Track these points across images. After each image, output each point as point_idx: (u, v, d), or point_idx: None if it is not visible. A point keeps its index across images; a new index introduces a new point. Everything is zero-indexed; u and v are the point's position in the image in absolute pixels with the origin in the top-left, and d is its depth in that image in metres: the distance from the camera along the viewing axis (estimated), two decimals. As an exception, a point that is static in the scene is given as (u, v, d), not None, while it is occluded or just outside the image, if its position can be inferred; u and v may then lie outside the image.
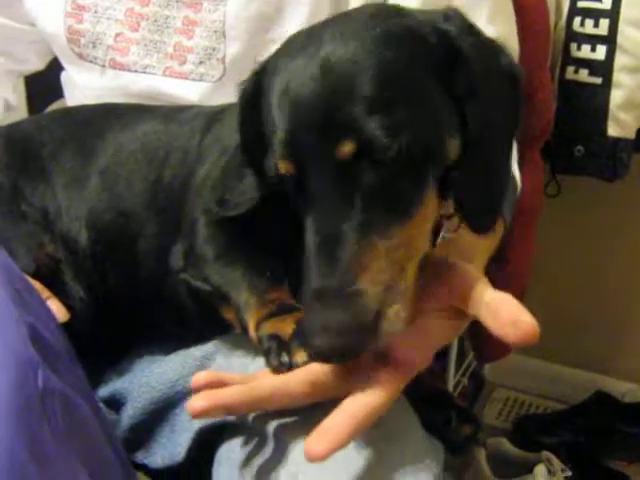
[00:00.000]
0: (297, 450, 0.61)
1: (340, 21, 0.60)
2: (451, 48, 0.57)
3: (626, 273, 1.80)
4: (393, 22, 0.58)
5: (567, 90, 1.38)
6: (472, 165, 0.59)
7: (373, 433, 0.59)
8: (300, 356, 0.58)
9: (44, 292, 0.75)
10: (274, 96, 0.58)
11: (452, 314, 0.60)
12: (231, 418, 0.68)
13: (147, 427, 0.79)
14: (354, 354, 0.53)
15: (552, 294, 1.81)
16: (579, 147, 1.38)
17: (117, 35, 0.99)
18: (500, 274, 0.71)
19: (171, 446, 0.76)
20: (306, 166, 0.55)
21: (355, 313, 0.52)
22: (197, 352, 0.78)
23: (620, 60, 1.32)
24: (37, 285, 0.73)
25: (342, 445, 0.52)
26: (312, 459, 0.52)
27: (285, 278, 0.67)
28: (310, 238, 0.55)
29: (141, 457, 0.80)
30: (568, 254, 1.82)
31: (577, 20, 1.35)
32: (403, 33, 0.57)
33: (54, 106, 1.28)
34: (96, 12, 0.99)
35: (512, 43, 1.00)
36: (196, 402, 0.57)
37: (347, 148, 0.53)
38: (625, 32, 1.31)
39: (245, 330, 0.66)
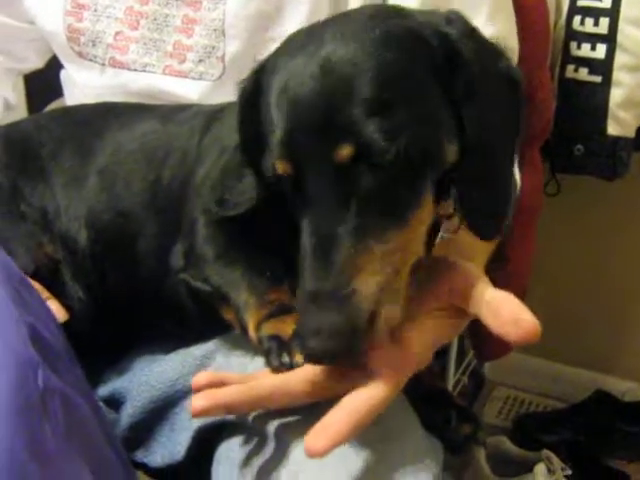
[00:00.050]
0: (297, 449, 0.61)
1: (340, 21, 0.59)
2: (451, 51, 0.57)
3: (626, 272, 1.80)
4: (393, 23, 0.58)
5: (567, 89, 1.38)
6: (473, 170, 0.59)
7: (372, 432, 0.59)
8: (300, 357, 0.58)
9: (43, 292, 0.75)
10: (273, 95, 0.57)
11: (452, 313, 0.60)
12: (231, 417, 0.68)
13: (147, 426, 0.79)
14: (348, 356, 0.53)
15: (552, 293, 1.81)
16: (579, 146, 1.38)
17: (117, 34, 0.99)
18: (500, 273, 0.71)
19: (171, 445, 0.77)
20: (304, 167, 0.55)
21: (349, 315, 0.52)
22: (197, 351, 0.78)
23: (620, 59, 1.32)
24: (36, 285, 0.73)
25: (342, 442, 0.52)
26: (312, 455, 0.52)
27: (285, 278, 0.66)
28: (306, 240, 0.55)
29: (141, 456, 0.80)
30: (568, 253, 1.82)
31: (577, 19, 1.35)
32: (403, 35, 0.57)
33: (53, 105, 1.27)
34: (96, 10, 0.99)
35: (512, 42, 1.00)
36: (197, 401, 0.58)
37: (345, 151, 0.53)
38: (625, 31, 1.31)
39: (245, 331, 0.66)
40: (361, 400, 0.54)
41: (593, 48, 1.34)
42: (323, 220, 0.54)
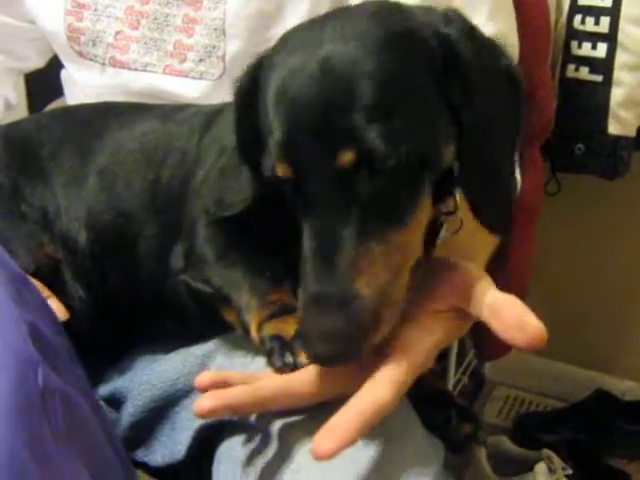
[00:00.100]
0: (300, 448, 0.61)
1: (340, 18, 0.58)
2: (451, 52, 0.56)
3: (626, 271, 1.80)
4: (394, 23, 0.57)
5: (568, 88, 1.38)
6: (474, 170, 0.59)
7: (374, 432, 0.59)
8: (304, 356, 0.58)
9: (44, 291, 0.75)
10: (271, 93, 0.57)
11: (455, 314, 0.60)
12: (233, 417, 0.68)
13: (147, 425, 0.79)
14: (352, 358, 0.54)
15: (552, 292, 1.81)
16: (579, 145, 1.38)
17: (117, 33, 0.99)
18: (500, 274, 0.71)
19: (171, 444, 0.77)
20: (304, 170, 0.55)
21: (354, 318, 0.52)
22: (198, 351, 0.78)
23: (621, 58, 1.32)
24: (37, 284, 0.73)
25: (350, 443, 0.52)
26: (319, 457, 0.51)
27: (286, 279, 0.66)
28: (307, 243, 0.55)
29: (141, 455, 0.80)
30: (568, 252, 1.82)
31: (578, 18, 1.35)
32: (404, 36, 0.56)
33: (54, 104, 1.27)
34: (96, 10, 0.99)
35: (512, 40, 1.00)
36: (203, 402, 0.57)
37: (348, 157, 0.53)
38: (626, 30, 1.31)
39: (247, 331, 0.66)
40: (368, 401, 0.54)
41: (594, 47, 1.34)
42: (324, 223, 0.54)
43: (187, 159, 0.77)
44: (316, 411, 0.61)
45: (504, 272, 1.29)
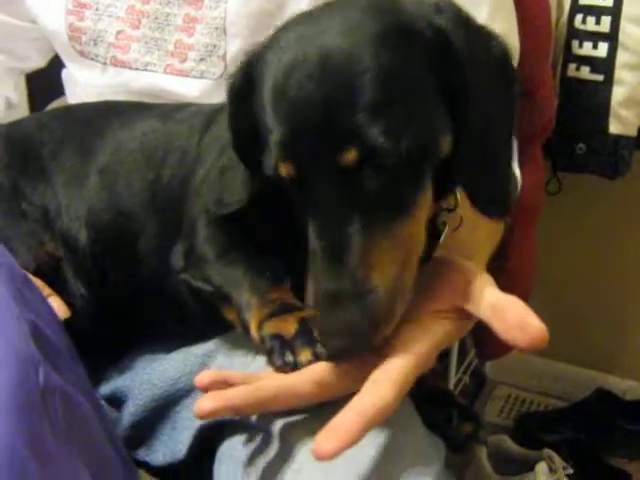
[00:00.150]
0: (302, 448, 0.61)
1: (334, 12, 0.58)
2: (445, 43, 0.56)
3: (627, 271, 1.80)
4: (389, 16, 0.57)
5: (569, 87, 1.38)
6: (472, 157, 0.59)
7: (375, 431, 0.59)
8: (304, 355, 0.58)
9: (45, 290, 0.75)
10: (267, 91, 0.57)
11: (456, 314, 0.60)
12: (234, 417, 0.68)
13: (148, 424, 0.79)
14: (365, 349, 0.55)
15: (553, 291, 1.81)
16: (580, 144, 1.38)
17: (118, 33, 0.99)
18: (503, 274, 0.71)
19: (172, 444, 0.76)
20: (307, 169, 0.55)
21: (370, 312, 0.53)
22: (198, 350, 0.78)
23: (622, 57, 1.32)
24: (38, 283, 0.73)
25: (352, 443, 0.52)
26: (321, 457, 0.51)
27: (286, 277, 0.67)
28: (316, 242, 0.56)
29: (142, 454, 0.80)
30: (569, 252, 1.82)
31: (579, 17, 1.35)
32: (400, 29, 0.56)
33: (55, 104, 1.28)
34: (97, 10, 0.99)
35: (512, 40, 1.00)
36: (204, 403, 0.57)
37: (351, 155, 0.53)
38: (627, 29, 1.31)
39: (247, 330, 0.65)
40: (370, 401, 0.54)
41: (595, 47, 1.34)
42: (331, 221, 0.55)
43: (187, 158, 0.77)
44: (317, 411, 0.61)
45: (506, 272, 1.29)
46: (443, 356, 1.57)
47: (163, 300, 0.79)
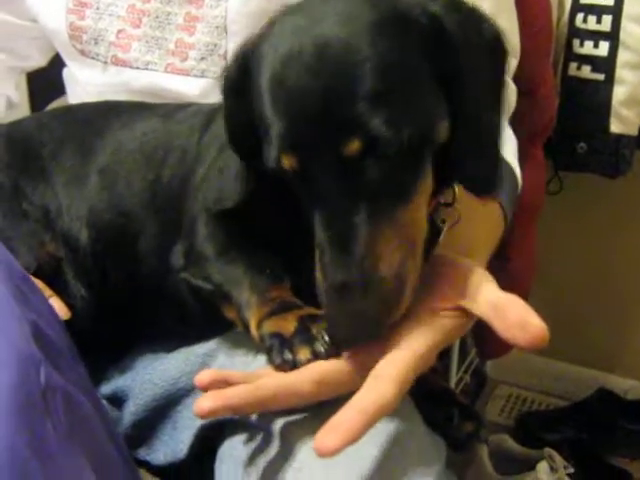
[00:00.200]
0: (302, 447, 0.61)
1: (330, 1, 0.57)
2: (440, 29, 0.56)
3: (629, 270, 1.80)
4: (385, 4, 0.56)
5: (570, 86, 1.38)
6: (466, 141, 0.59)
7: (376, 430, 0.59)
8: (303, 353, 0.58)
9: (46, 290, 0.75)
10: (265, 82, 0.56)
11: (455, 313, 0.60)
12: (234, 416, 0.68)
13: (149, 424, 0.79)
14: (377, 335, 0.56)
15: (554, 291, 1.81)
16: (582, 144, 1.38)
17: (119, 32, 0.99)
18: (503, 273, 0.71)
19: (173, 443, 0.77)
20: (309, 160, 0.55)
21: (380, 300, 0.54)
22: (199, 350, 0.78)
23: (623, 56, 1.32)
24: (39, 283, 0.73)
25: (353, 440, 0.52)
26: (323, 454, 0.51)
27: (286, 276, 0.67)
28: (322, 234, 0.56)
29: (143, 454, 0.80)
30: (570, 251, 1.82)
31: (580, 16, 1.35)
32: (396, 18, 0.56)
33: (56, 103, 1.28)
34: (98, 9, 0.99)
35: (513, 39, 1.00)
36: (204, 402, 0.57)
37: (354, 146, 0.53)
38: (628, 28, 1.31)
39: (247, 329, 0.65)
40: (371, 399, 0.54)
41: (596, 46, 1.34)
42: (336, 212, 0.55)
43: (187, 158, 0.77)
44: (317, 410, 0.61)
45: (506, 271, 1.30)
46: (444, 355, 1.57)
47: (163, 299, 0.79)
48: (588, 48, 1.35)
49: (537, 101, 1.26)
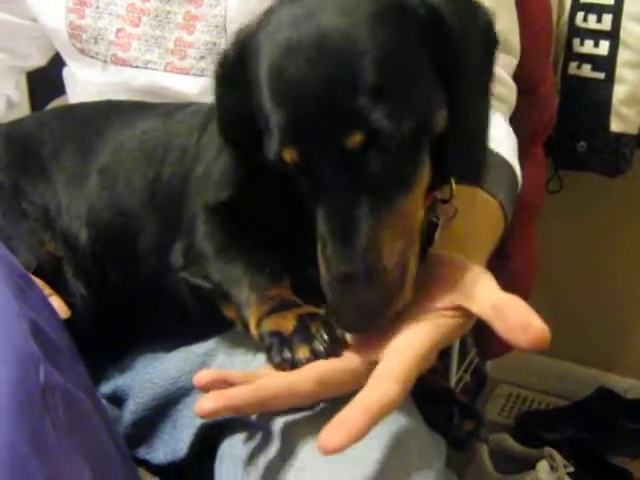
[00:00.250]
0: (303, 446, 0.61)
1: None
2: (438, 20, 0.57)
3: (629, 269, 1.80)
4: None
5: (570, 85, 1.38)
6: (459, 128, 0.59)
7: (377, 429, 0.58)
8: (302, 352, 0.58)
9: (45, 289, 0.75)
10: (263, 73, 0.56)
11: (455, 312, 0.60)
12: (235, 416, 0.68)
13: (149, 423, 0.79)
14: (380, 324, 0.57)
15: (554, 290, 1.81)
16: (582, 143, 1.38)
17: (118, 31, 0.99)
18: (503, 272, 0.71)
19: (173, 442, 0.77)
20: (311, 153, 0.55)
21: (384, 291, 0.55)
22: (199, 349, 0.78)
23: (623, 55, 1.32)
24: (39, 282, 0.73)
25: (357, 438, 0.52)
26: (327, 452, 0.51)
27: (285, 274, 0.66)
28: (324, 226, 0.56)
29: (143, 453, 0.80)
30: (570, 250, 1.82)
31: (580, 15, 1.35)
32: (395, 8, 0.56)
33: (56, 102, 1.28)
34: (97, 8, 0.99)
35: (513, 38, 1.00)
36: (205, 403, 0.57)
37: (356, 139, 0.53)
38: (628, 27, 1.30)
39: (246, 327, 0.65)
40: (373, 398, 0.54)
41: (596, 45, 1.34)
42: (338, 205, 0.55)
43: (187, 157, 0.77)
44: (318, 409, 0.61)
45: (507, 271, 1.29)
46: (444, 355, 1.57)
47: (163, 298, 0.79)
48: (588, 47, 1.35)
49: (537, 100, 1.26)
